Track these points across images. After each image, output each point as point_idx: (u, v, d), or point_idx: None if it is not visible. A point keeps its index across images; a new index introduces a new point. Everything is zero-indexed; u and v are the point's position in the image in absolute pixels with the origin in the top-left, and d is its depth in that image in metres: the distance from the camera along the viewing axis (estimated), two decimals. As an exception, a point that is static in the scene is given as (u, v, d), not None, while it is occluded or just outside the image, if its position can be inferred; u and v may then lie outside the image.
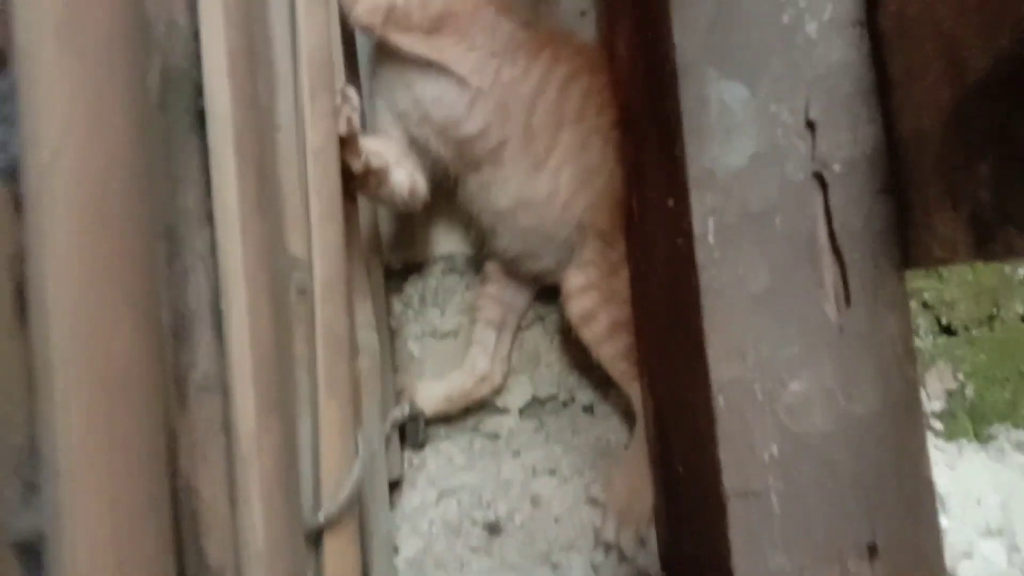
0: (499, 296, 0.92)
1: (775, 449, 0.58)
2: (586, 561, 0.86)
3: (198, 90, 0.40)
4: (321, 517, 0.55)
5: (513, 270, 0.91)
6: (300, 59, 0.61)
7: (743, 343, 0.60)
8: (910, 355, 0.61)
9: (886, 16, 0.61)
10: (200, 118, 0.40)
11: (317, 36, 0.63)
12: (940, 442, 0.98)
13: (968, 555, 0.89)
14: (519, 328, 0.96)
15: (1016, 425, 0.98)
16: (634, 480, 0.85)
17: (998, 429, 0.98)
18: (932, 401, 0.98)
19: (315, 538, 0.55)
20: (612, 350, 0.83)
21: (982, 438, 0.98)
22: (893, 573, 0.58)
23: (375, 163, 0.72)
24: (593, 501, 0.88)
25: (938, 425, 0.98)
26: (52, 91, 0.25)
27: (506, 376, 0.93)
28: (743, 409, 0.59)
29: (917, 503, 0.59)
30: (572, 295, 0.83)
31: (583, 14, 1.01)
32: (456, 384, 0.91)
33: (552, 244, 0.86)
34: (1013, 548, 0.89)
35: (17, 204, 0.26)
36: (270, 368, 0.41)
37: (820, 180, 0.62)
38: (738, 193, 0.61)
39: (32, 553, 0.27)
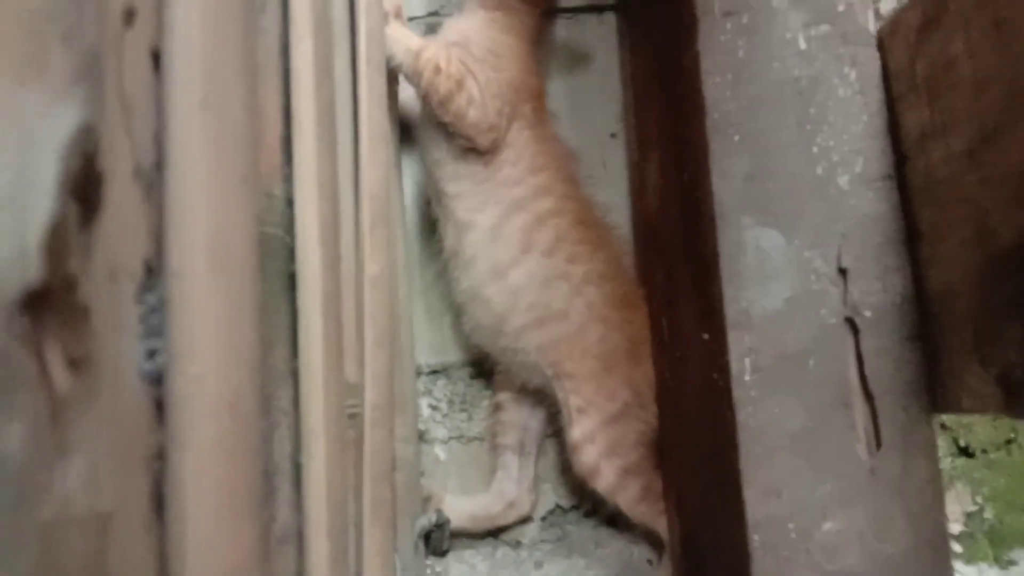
0: (513, 421, 0.94)
1: (810, 590, 0.60)
2: None
3: (291, 254, 0.44)
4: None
5: (515, 386, 0.94)
6: (362, 193, 0.65)
7: (779, 482, 0.62)
8: (939, 499, 0.63)
9: (914, 173, 0.65)
10: (291, 281, 0.43)
11: (377, 171, 0.67)
12: (960, 565, 0.98)
13: None
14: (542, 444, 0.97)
15: (1036, 551, 0.98)
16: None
17: (1019, 554, 0.98)
18: (951, 524, 0.99)
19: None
20: (626, 497, 0.84)
21: (1002, 562, 0.98)
22: None
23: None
24: (617, 619, 0.88)
25: (957, 548, 0.99)
26: (202, 310, 0.28)
27: (534, 505, 0.95)
28: (778, 547, 0.61)
29: (949, 650, 0.60)
30: (573, 451, 0.85)
31: (613, 136, 1.06)
32: (482, 506, 0.92)
33: (515, 360, 0.88)
34: None
35: (159, 407, 0.28)
36: (342, 519, 0.43)
37: (852, 325, 0.65)
38: (774, 335, 0.64)
39: None
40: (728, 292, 0.65)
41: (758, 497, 0.61)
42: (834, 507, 0.62)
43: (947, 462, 1.02)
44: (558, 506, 0.98)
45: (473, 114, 0.82)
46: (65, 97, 0.22)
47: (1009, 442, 1.01)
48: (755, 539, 0.61)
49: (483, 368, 1.02)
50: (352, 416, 0.61)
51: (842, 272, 0.65)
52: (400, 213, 0.87)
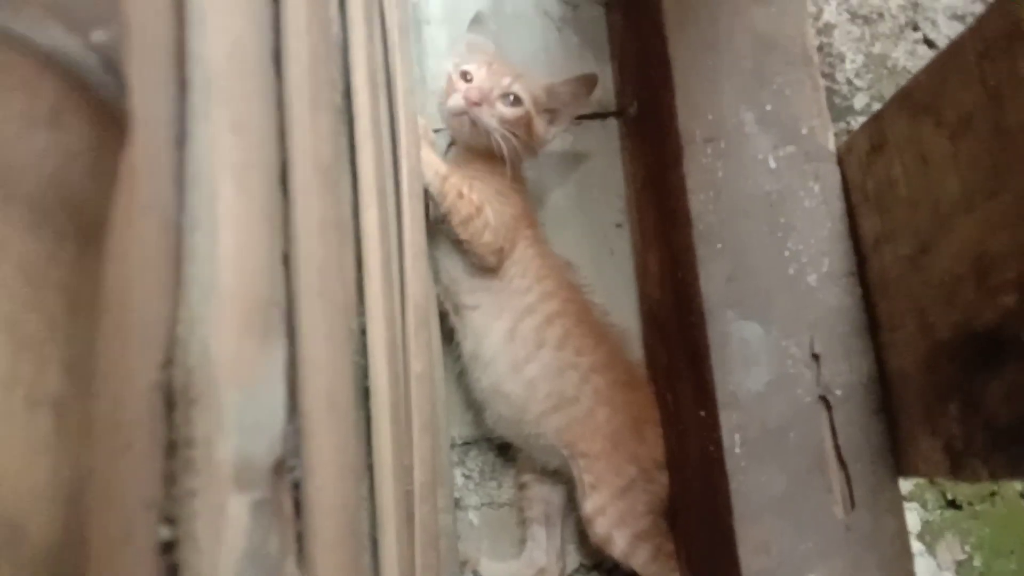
0: (538, 497, 1.05)
1: (798, 634, 0.70)
2: None
3: (364, 373, 0.56)
4: None
5: (537, 468, 1.05)
6: (407, 302, 0.78)
7: (767, 539, 0.72)
8: (907, 551, 0.73)
9: (872, 271, 0.77)
10: (365, 392, 0.56)
11: (418, 284, 0.80)
12: (954, 610, 1.07)
13: None
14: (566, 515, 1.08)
15: (1023, 594, 1.07)
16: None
17: (1007, 599, 1.07)
18: (943, 571, 1.08)
19: None
20: (639, 560, 0.95)
21: (992, 607, 1.07)
22: None
23: None
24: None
25: (951, 594, 1.07)
26: (322, 439, 0.40)
27: (563, 571, 1.05)
28: (769, 598, 0.71)
29: None
30: (587, 523, 0.95)
31: (619, 226, 1.19)
32: (515, 571, 1.02)
33: (536, 445, 1.00)
34: None
35: (297, 505, 0.40)
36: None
37: (825, 402, 0.76)
38: (758, 412, 0.76)
39: None
40: (718, 376, 0.77)
41: (750, 553, 0.72)
42: (816, 560, 0.72)
43: (936, 514, 1.11)
44: (582, 564, 1.08)
45: (488, 236, 0.95)
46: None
47: (993, 494, 1.11)
48: (749, 591, 0.71)
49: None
50: (406, 493, 0.72)
51: (815, 357, 0.77)
52: (436, 315, 1.00)
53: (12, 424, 0.15)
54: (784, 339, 0.77)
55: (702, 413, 0.80)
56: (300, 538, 0.40)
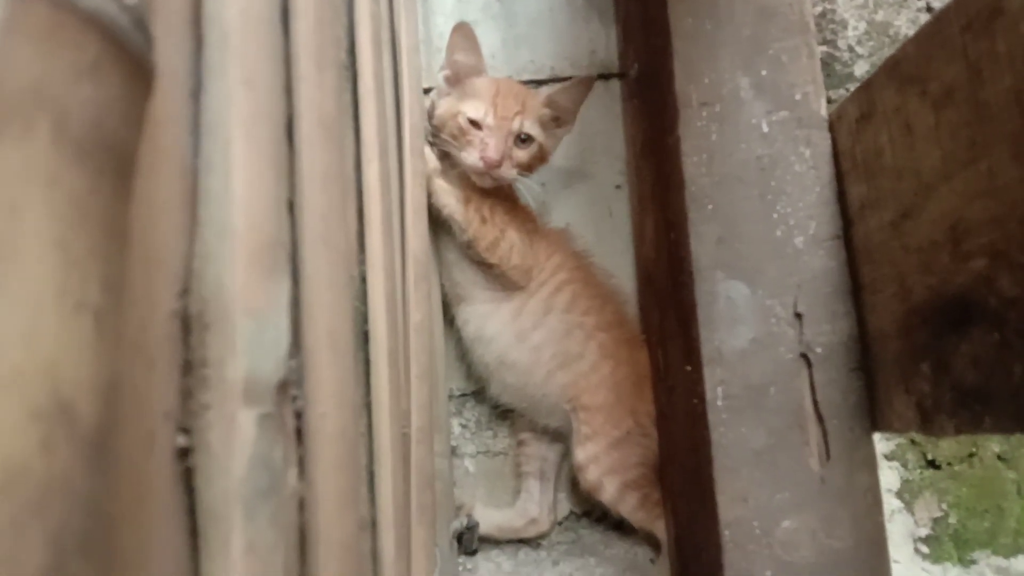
0: (535, 453, 1.09)
1: (769, 574, 0.74)
2: (615, 662, 1.00)
3: (364, 318, 0.59)
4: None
5: (536, 428, 1.09)
6: (407, 257, 0.81)
7: (745, 489, 0.76)
8: (878, 503, 0.77)
9: (857, 236, 0.80)
10: (365, 337, 0.59)
11: (419, 239, 0.83)
12: (927, 564, 1.11)
13: (950, 670, 1.02)
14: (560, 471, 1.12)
15: (995, 552, 1.11)
16: (658, 593, 0.99)
17: (979, 555, 1.11)
18: (920, 527, 1.12)
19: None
20: (626, 507, 0.99)
21: (965, 562, 1.11)
22: None
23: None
24: (621, 608, 1.03)
25: (925, 549, 1.12)
26: (323, 372, 0.44)
27: (553, 524, 1.09)
28: (745, 542, 0.75)
29: (883, 625, 0.73)
30: (579, 470, 1.00)
31: (618, 187, 1.21)
32: (507, 519, 1.07)
33: (540, 406, 1.04)
34: (989, 665, 1.02)
35: (299, 432, 0.44)
36: (403, 515, 0.58)
37: (806, 360, 0.79)
38: (741, 369, 0.79)
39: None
40: (704, 333, 0.80)
41: (728, 502, 0.76)
42: (790, 510, 0.76)
43: (916, 473, 1.15)
44: (572, 512, 1.13)
45: (516, 259, 0.99)
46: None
47: (971, 455, 1.15)
48: (726, 535, 0.75)
49: (506, 392, 1.17)
50: (403, 435, 0.76)
51: (798, 316, 0.80)
52: (435, 271, 1.03)
53: (64, 325, 0.18)
54: (769, 299, 0.80)
55: (688, 368, 0.83)
56: (302, 462, 0.43)
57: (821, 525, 0.76)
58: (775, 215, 0.82)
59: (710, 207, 0.82)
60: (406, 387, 0.78)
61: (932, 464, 1.15)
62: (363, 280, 0.60)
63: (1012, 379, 0.58)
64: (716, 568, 0.76)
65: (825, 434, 0.77)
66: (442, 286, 1.08)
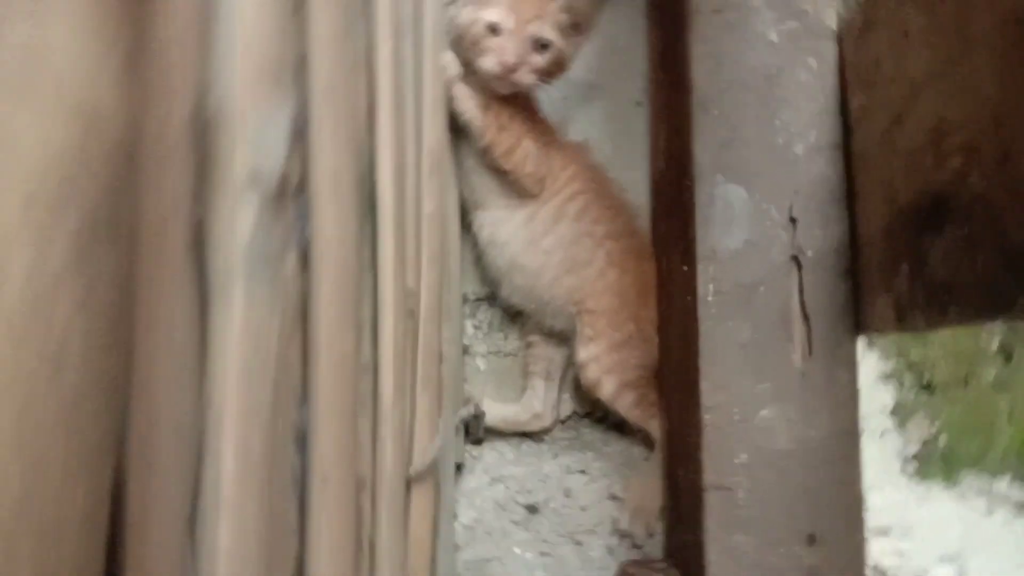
0: (542, 354, 1.15)
1: (745, 457, 0.79)
2: (604, 544, 1.07)
3: (373, 188, 0.65)
4: (412, 472, 0.78)
5: (544, 330, 1.14)
6: (422, 147, 0.86)
7: (728, 379, 0.81)
8: (854, 398, 0.81)
9: (855, 144, 0.83)
10: (373, 207, 0.64)
11: (436, 131, 0.87)
12: (914, 482, 1.16)
13: (924, 574, 1.07)
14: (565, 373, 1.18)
15: (981, 472, 1.15)
16: (649, 484, 1.06)
17: (965, 475, 1.16)
18: (909, 446, 1.17)
19: (407, 486, 0.78)
20: (623, 405, 1.05)
21: (951, 481, 1.16)
22: (826, 558, 0.78)
23: None
24: (614, 497, 1.09)
25: (913, 467, 1.16)
26: (325, 215, 0.49)
27: (555, 421, 1.16)
28: (723, 426, 0.80)
29: (849, 508, 0.79)
30: (580, 368, 1.06)
31: (638, 104, 1.24)
32: (513, 413, 1.14)
33: (547, 308, 1.09)
34: (962, 573, 1.07)
35: (303, 257, 0.50)
36: (401, 364, 0.65)
37: (797, 262, 0.83)
38: (733, 268, 0.83)
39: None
40: (700, 234, 0.84)
41: (711, 389, 0.81)
42: (770, 400, 0.81)
43: (911, 394, 1.19)
44: (575, 412, 1.19)
45: (530, 167, 1.03)
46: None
47: (966, 380, 1.18)
48: (707, 419, 0.81)
49: (519, 298, 1.23)
50: (410, 314, 0.82)
51: (792, 221, 0.83)
52: (451, 167, 1.08)
53: (101, 54, 0.23)
54: (765, 203, 0.83)
55: (685, 268, 0.88)
56: (305, 296, 0.49)
57: (799, 415, 0.80)
58: (777, 123, 0.84)
59: (715, 112, 0.85)
60: (416, 268, 0.83)
61: (927, 387, 1.19)
62: (371, 156, 0.65)
63: (975, 270, 0.61)
64: (696, 450, 0.81)
65: (809, 332, 0.82)
66: (460, 193, 1.13)
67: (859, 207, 0.82)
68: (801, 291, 0.82)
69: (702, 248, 0.83)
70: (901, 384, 1.19)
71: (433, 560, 0.86)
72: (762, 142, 0.84)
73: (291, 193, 0.39)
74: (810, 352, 0.81)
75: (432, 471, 0.83)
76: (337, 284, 0.48)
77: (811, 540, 0.78)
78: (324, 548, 0.49)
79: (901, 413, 1.18)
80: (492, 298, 1.23)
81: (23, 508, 0.22)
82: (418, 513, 0.81)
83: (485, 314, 1.23)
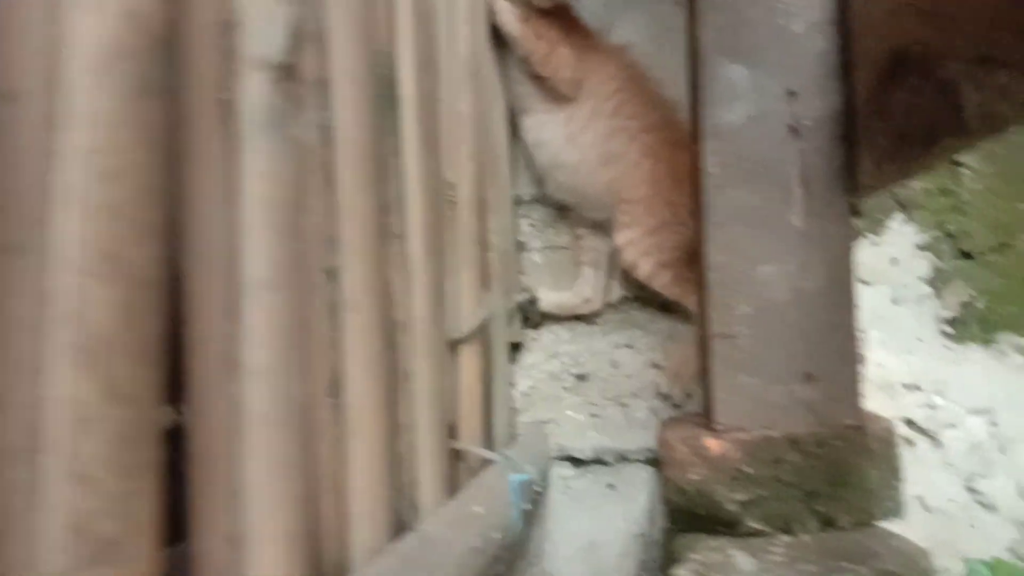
0: (590, 245, 1.27)
1: (746, 308, 0.89)
2: (648, 406, 1.20)
3: (394, 78, 0.77)
4: (458, 333, 0.93)
5: (589, 223, 1.26)
6: (455, 57, 0.97)
7: (731, 239, 0.91)
8: (848, 253, 0.89)
9: (852, 19, 0.88)
10: (396, 103, 0.77)
11: (468, 45, 0.99)
12: (951, 343, 1.21)
13: (953, 426, 1.14)
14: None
15: (1018, 333, 1.19)
16: (686, 351, 1.17)
17: (1002, 336, 1.20)
18: (946, 310, 1.22)
19: (454, 347, 0.93)
20: (660, 283, 1.17)
21: (987, 343, 1.20)
22: (823, 394, 0.87)
23: None
24: (656, 366, 1.22)
25: (950, 330, 1.22)
26: (344, 95, 0.63)
27: (604, 305, 1.28)
28: (726, 281, 0.90)
29: (843, 348, 0.88)
30: (619, 251, 1.19)
31: (677, 3, 1.30)
32: (566, 299, 1.27)
33: (588, 201, 1.20)
34: (992, 424, 1.13)
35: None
36: (431, 232, 0.79)
37: (795, 131, 0.90)
38: (736, 141, 0.91)
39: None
40: (706, 112, 0.92)
41: (716, 250, 0.91)
42: (771, 257, 0.90)
43: (950, 262, 1.23)
44: (625, 296, 1.31)
45: (566, 72, 1.13)
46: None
47: (1004, 246, 1.21)
48: (712, 277, 0.91)
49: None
50: (451, 202, 0.96)
51: (791, 94, 0.91)
52: (495, 75, 1.19)
53: (142, 15, 0.37)
54: (766, 79, 0.91)
55: (695, 146, 0.97)
56: (327, 166, 0.63)
57: (797, 270, 0.89)
58: (779, 5, 0.91)
59: (718, -3, 0.92)
60: (455, 163, 0.96)
61: (966, 255, 1.23)
62: (390, 56, 0.77)
63: (926, 120, 0.69)
64: (704, 306, 0.92)
65: (808, 194, 0.90)
66: (507, 100, 1.25)
67: (854, 78, 0.88)
68: (800, 158, 0.90)
69: (707, 125, 0.92)
70: (939, 255, 1.23)
71: (487, 407, 1.01)
72: (764, 23, 0.91)
73: (308, 82, 0.52)
74: (808, 213, 0.90)
75: (480, 335, 0.97)
76: (357, 159, 0.61)
77: (808, 378, 0.88)
78: (358, 364, 0.64)
79: (939, 280, 1.23)
80: (545, 199, 1.35)
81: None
82: (468, 366, 0.96)
83: (538, 213, 1.35)
